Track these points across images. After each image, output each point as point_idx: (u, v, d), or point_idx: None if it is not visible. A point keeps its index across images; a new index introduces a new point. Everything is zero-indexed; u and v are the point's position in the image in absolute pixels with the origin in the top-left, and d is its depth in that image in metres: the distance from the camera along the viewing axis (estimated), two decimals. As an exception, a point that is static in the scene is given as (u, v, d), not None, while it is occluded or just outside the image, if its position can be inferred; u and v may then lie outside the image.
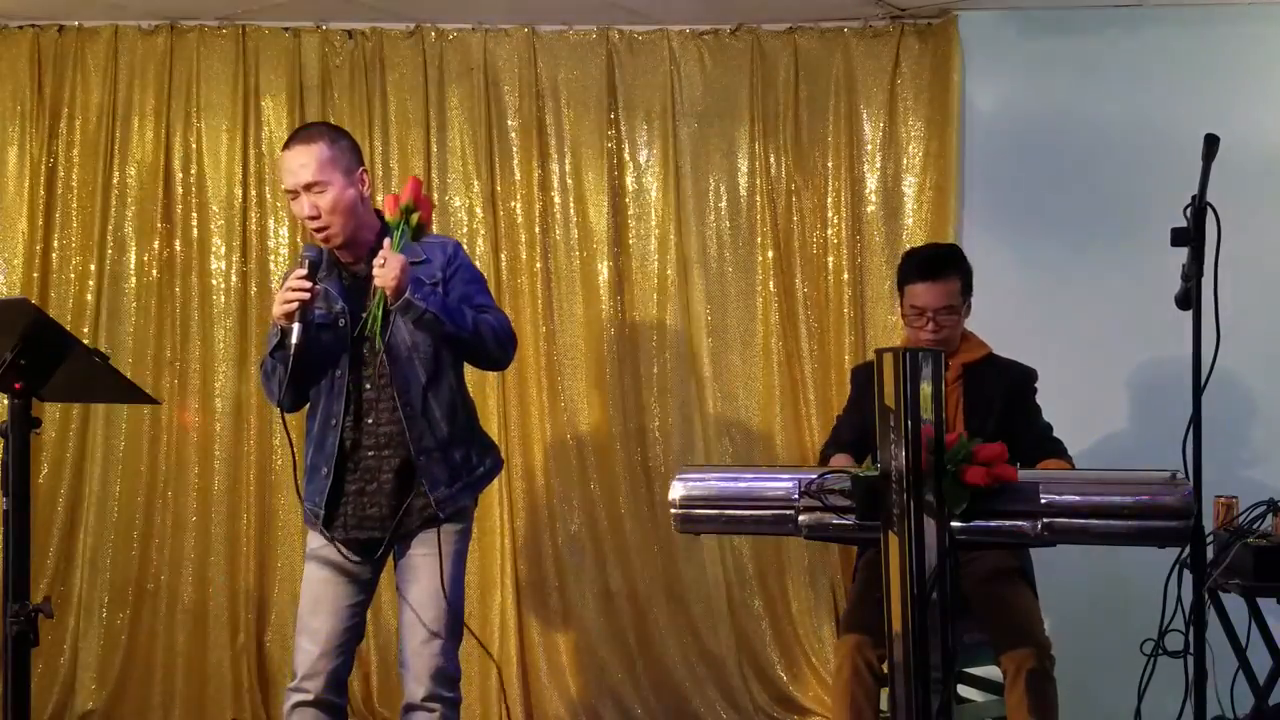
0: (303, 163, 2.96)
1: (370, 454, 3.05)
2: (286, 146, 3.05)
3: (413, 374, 3.03)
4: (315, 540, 3.12)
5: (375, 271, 2.89)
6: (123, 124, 4.49)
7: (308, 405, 3.16)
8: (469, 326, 3.00)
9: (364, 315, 3.02)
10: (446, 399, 3.08)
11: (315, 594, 3.11)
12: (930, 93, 4.51)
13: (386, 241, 2.94)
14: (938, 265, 3.38)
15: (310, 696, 3.06)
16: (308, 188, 2.96)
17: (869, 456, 3.40)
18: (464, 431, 3.16)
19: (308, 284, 2.87)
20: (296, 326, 2.86)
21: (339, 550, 3.06)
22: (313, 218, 2.97)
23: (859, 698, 3.14)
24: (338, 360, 3.04)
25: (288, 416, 3.09)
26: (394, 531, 3.07)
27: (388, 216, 2.96)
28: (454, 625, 3.10)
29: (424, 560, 3.08)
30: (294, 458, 3.15)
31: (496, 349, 3.10)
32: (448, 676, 3.09)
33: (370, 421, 3.05)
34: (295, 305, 2.86)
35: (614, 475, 4.55)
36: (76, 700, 4.38)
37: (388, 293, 2.88)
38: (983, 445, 2.65)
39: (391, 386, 3.01)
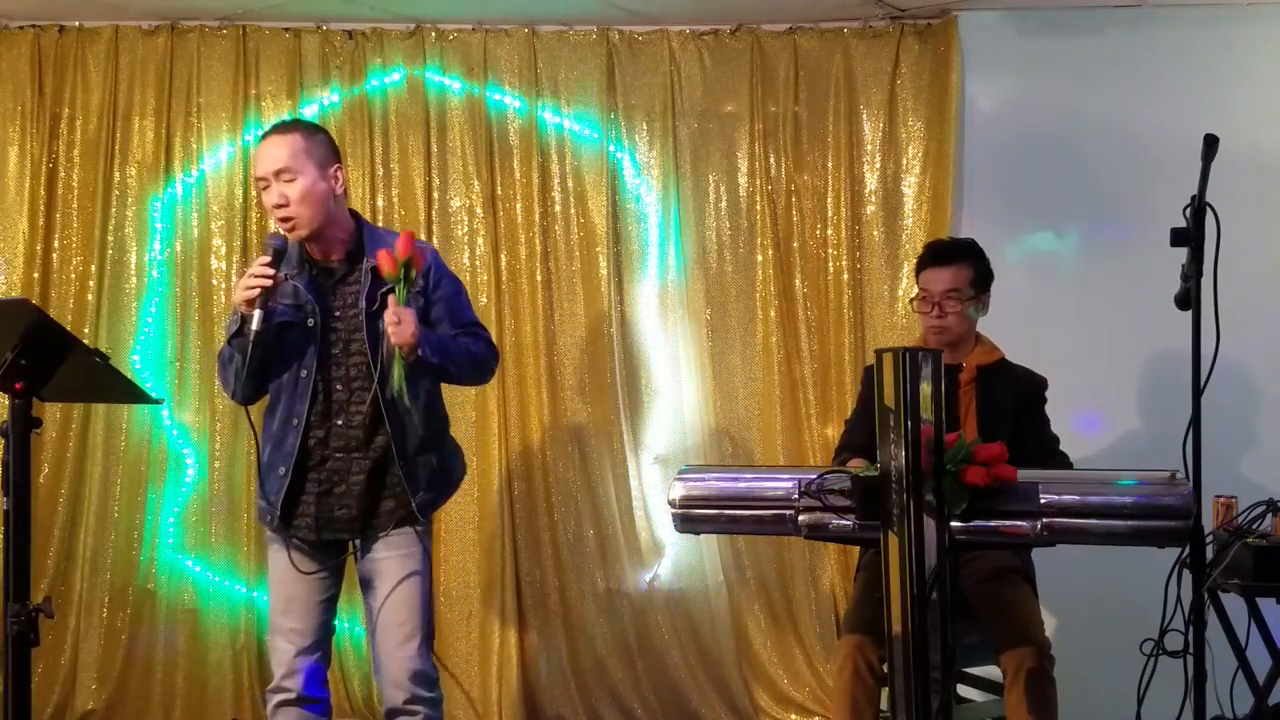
0: (275, 153, 2.96)
1: (338, 455, 3.02)
2: (262, 137, 3.06)
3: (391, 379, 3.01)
4: (278, 541, 3.08)
5: (390, 329, 2.89)
6: (123, 124, 4.49)
7: (266, 400, 3.12)
8: (468, 367, 3.07)
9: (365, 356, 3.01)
10: (424, 404, 3.07)
11: (286, 594, 3.09)
12: (930, 93, 4.51)
13: (391, 298, 2.93)
14: (948, 251, 3.45)
15: (292, 695, 3.06)
16: (277, 175, 2.95)
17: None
18: (439, 436, 3.16)
19: (270, 270, 2.87)
20: (256, 313, 2.86)
21: (290, 554, 3.02)
22: (280, 206, 2.96)
23: (859, 698, 3.13)
24: (304, 358, 3.02)
25: (252, 410, 3.09)
26: (361, 533, 3.05)
27: (384, 273, 2.94)
28: (426, 625, 3.09)
29: (388, 564, 3.05)
30: (258, 446, 3.11)
31: (485, 375, 3.21)
32: (427, 677, 3.07)
33: (340, 423, 3.02)
34: (257, 291, 2.85)
35: (614, 475, 4.55)
36: (76, 700, 4.38)
37: (402, 349, 2.90)
38: (982, 445, 2.65)
39: (368, 390, 2.99)
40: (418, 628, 3.05)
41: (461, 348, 3.06)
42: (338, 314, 3.03)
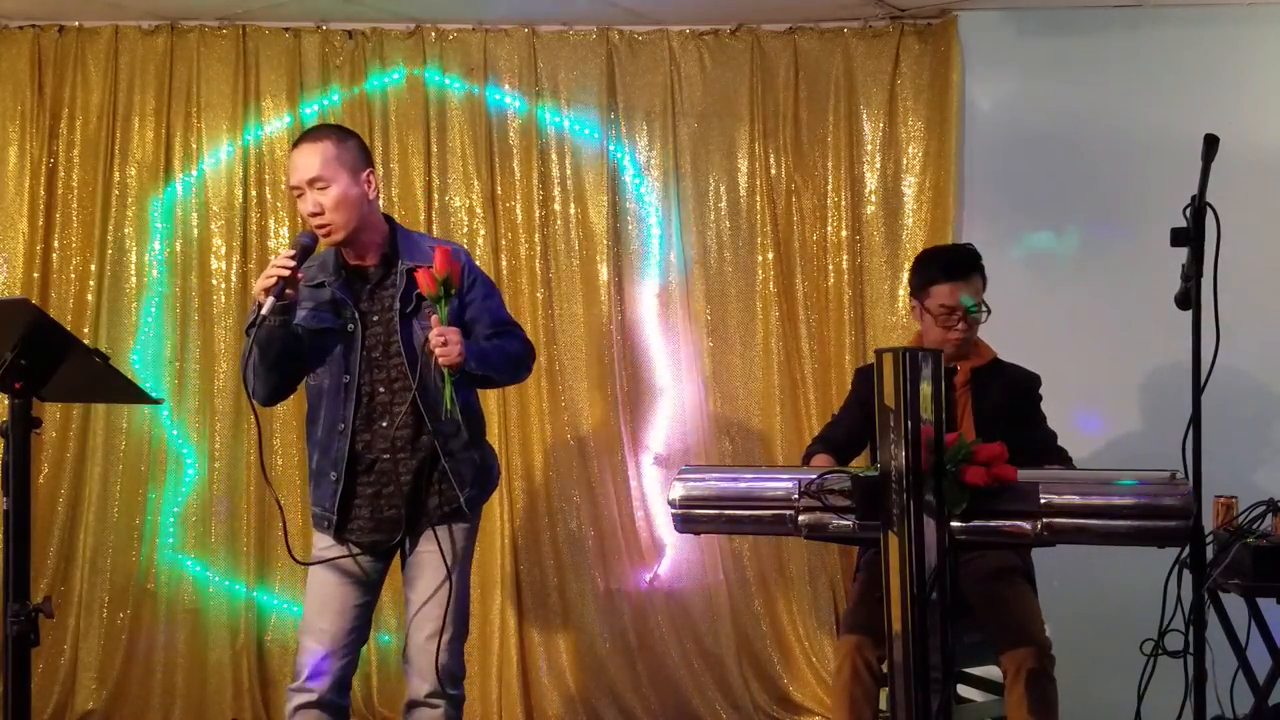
0: (308, 160, 2.99)
1: (385, 457, 3.05)
2: (294, 145, 3.07)
3: (431, 380, 3.04)
4: (322, 541, 3.12)
5: (438, 351, 2.91)
6: (123, 124, 4.49)
7: (278, 402, 3.17)
8: (507, 370, 3.15)
9: (415, 385, 3.01)
10: (464, 402, 3.11)
11: (322, 595, 3.11)
12: (930, 93, 4.51)
13: (434, 318, 2.94)
14: (967, 264, 3.40)
15: (314, 697, 3.07)
16: (311, 183, 2.98)
17: (853, 459, 3.41)
18: (480, 434, 3.21)
19: (291, 264, 2.88)
20: (270, 300, 2.87)
21: (351, 554, 3.07)
22: (315, 214, 2.99)
23: (858, 698, 3.14)
24: (345, 363, 3.05)
25: (285, 414, 3.11)
26: (409, 532, 3.08)
27: (425, 293, 2.97)
28: (460, 622, 3.12)
29: (431, 558, 3.09)
30: (259, 447, 3.25)
31: (523, 373, 3.28)
32: (452, 674, 3.10)
33: (384, 425, 3.05)
34: (274, 281, 2.86)
35: (614, 475, 4.55)
36: (76, 700, 4.38)
37: (451, 369, 2.93)
38: (982, 445, 2.65)
39: (410, 390, 3.01)
40: (449, 623, 3.07)
41: (501, 352, 3.11)
42: (375, 318, 3.06)
